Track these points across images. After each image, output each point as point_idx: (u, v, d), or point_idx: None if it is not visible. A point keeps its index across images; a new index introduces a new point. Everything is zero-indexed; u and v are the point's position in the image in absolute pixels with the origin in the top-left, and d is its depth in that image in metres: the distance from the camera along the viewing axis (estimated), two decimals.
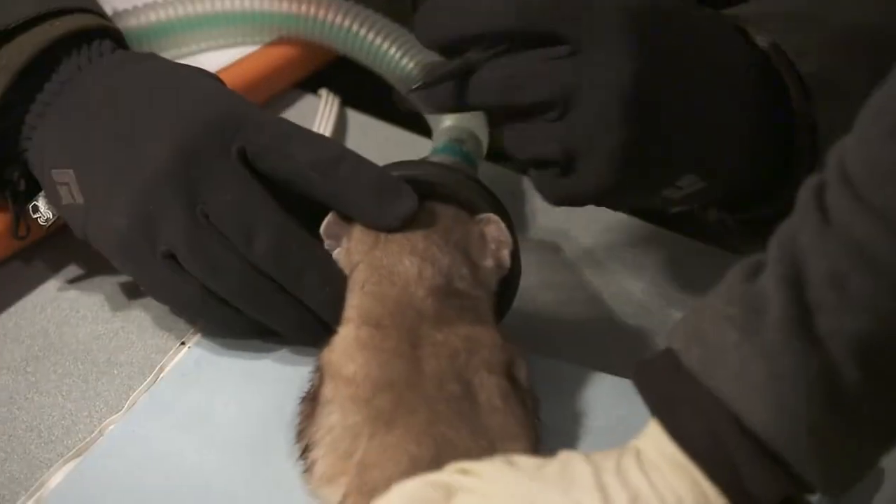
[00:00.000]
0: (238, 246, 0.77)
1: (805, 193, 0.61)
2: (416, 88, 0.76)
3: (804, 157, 0.79)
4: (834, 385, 0.59)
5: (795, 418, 0.59)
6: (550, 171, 0.76)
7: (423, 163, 0.81)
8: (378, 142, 0.98)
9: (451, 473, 0.64)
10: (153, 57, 0.85)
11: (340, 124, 1.00)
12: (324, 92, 1.01)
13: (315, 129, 0.97)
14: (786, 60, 0.79)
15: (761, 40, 0.79)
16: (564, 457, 0.64)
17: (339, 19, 0.96)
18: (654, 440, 0.62)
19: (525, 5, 0.74)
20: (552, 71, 0.73)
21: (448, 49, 0.76)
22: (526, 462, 0.64)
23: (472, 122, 0.91)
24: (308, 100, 1.01)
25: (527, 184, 0.95)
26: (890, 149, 0.58)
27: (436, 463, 0.66)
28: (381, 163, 0.78)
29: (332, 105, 1.00)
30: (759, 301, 0.60)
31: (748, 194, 0.82)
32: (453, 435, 0.68)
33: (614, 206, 0.85)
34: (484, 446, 0.68)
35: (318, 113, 1.00)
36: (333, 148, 0.79)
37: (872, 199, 0.58)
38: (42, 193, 0.83)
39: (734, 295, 0.62)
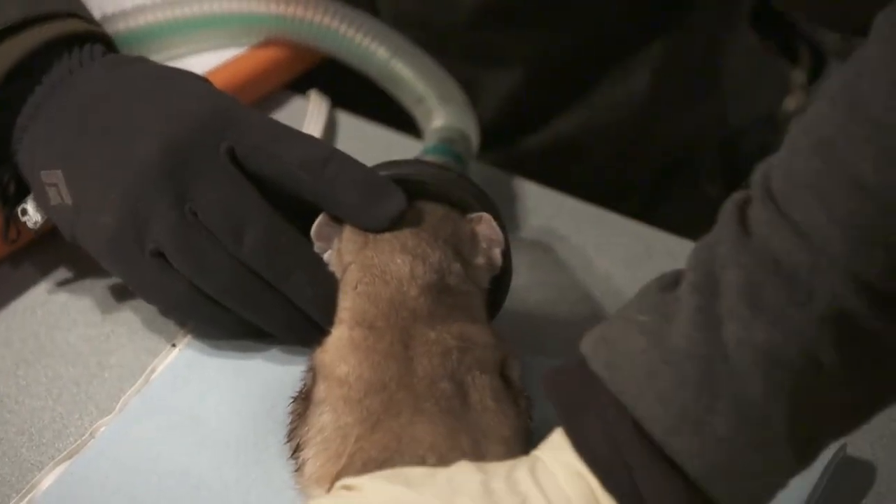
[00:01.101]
0: (226, 244, 0.77)
1: (728, 206, 0.61)
2: None
3: None
4: (739, 397, 0.58)
5: (697, 427, 0.58)
6: None
7: (413, 162, 0.81)
8: (367, 143, 0.98)
9: (335, 490, 0.64)
10: (142, 60, 0.85)
11: (330, 125, 1.00)
12: (313, 93, 1.01)
13: (304, 129, 0.96)
14: None
15: None
16: (457, 466, 0.63)
17: (326, 20, 0.97)
18: (555, 448, 0.62)
19: None
20: None
21: None
22: (416, 473, 0.63)
23: (463, 122, 0.92)
24: (297, 101, 1.02)
25: (518, 183, 0.96)
26: (812, 164, 0.58)
27: (387, 466, 0.66)
28: (370, 164, 0.78)
29: (321, 106, 1.00)
30: (670, 308, 0.60)
31: None
32: (425, 435, 0.68)
33: None
34: (464, 446, 0.68)
35: (308, 114, 1.00)
36: (322, 148, 0.79)
37: (792, 214, 0.58)
38: (31, 196, 0.83)
39: (647, 303, 0.62)
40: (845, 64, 0.60)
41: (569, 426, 0.61)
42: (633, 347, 0.60)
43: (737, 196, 0.61)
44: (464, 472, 0.62)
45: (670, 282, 0.62)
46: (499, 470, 0.62)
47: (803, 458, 0.60)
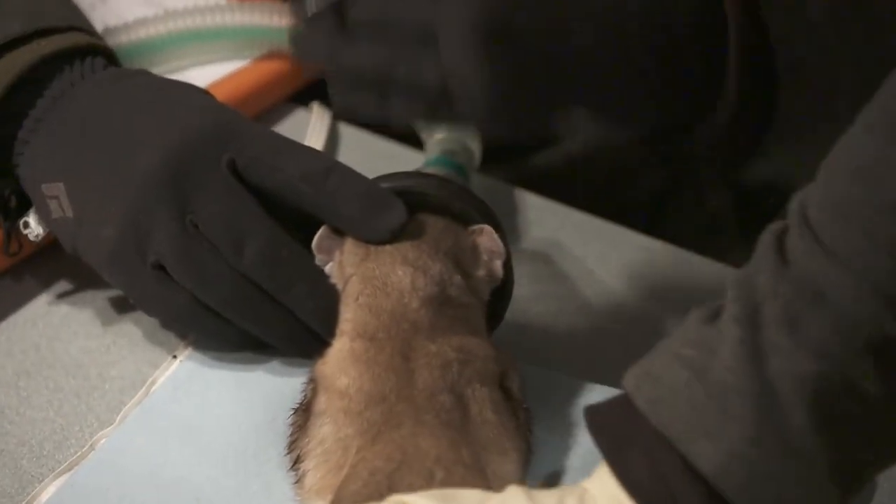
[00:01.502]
0: (227, 256, 0.77)
1: (766, 237, 0.61)
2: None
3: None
4: (784, 429, 0.58)
5: (744, 461, 0.58)
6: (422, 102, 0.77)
7: (414, 174, 0.81)
8: (369, 155, 0.98)
9: (390, 502, 0.63)
10: (144, 73, 0.86)
11: (332, 137, 1.01)
12: (315, 105, 1.01)
13: (306, 142, 0.97)
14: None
15: None
16: (506, 493, 0.63)
17: None
18: (602, 481, 0.62)
19: None
20: (416, 9, 0.76)
21: None
22: (468, 496, 0.63)
23: (464, 134, 0.92)
24: (299, 113, 1.02)
25: (519, 195, 0.96)
26: (851, 191, 0.58)
27: (395, 476, 0.66)
28: (372, 176, 0.79)
29: (322, 118, 1.01)
30: (713, 342, 0.60)
31: (678, 127, 0.81)
32: (430, 447, 0.68)
33: (502, 133, 0.84)
34: (466, 458, 0.67)
35: (310, 126, 1.00)
36: (323, 160, 0.79)
37: (831, 243, 0.58)
38: (33, 209, 0.83)
39: (690, 336, 0.62)
40: (879, 90, 0.60)
41: (614, 462, 0.61)
42: (677, 382, 0.60)
43: (774, 226, 0.61)
44: (515, 499, 0.62)
45: (711, 314, 0.61)
46: (548, 500, 0.62)
47: (847, 492, 0.60)
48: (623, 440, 0.61)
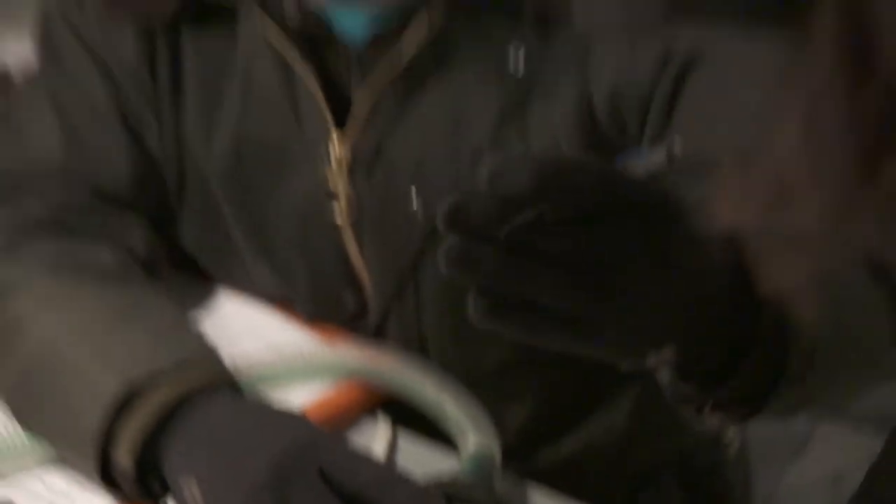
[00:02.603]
0: None
1: None
2: None
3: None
4: None
5: None
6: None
7: (453, 482, 1.01)
8: (420, 457, 1.12)
9: None
10: (256, 394, 1.04)
11: (393, 443, 1.14)
12: (380, 415, 1.15)
13: (374, 446, 1.13)
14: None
15: None
16: None
17: (395, 368, 1.15)
18: None
19: None
20: None
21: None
22: None
23: (490, 446, 1.08)
24: (367, 421, 1.16)
25: (531, 492, 1.10)
26: None
27: None
28: (424, 472, 0.94)
29: (386, 427, 1.15)
30: None
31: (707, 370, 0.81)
32: None
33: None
34: None
35: (376, 433, 1.14)
36: (388, 470, 0.95)
37: None
38: (171, 495, 1.00)
39: None
40: None
41: None
42: None
43: None
44: None
45: None
46: None
47: None
48: None
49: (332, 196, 1.17)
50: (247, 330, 1.21)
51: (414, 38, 1.11)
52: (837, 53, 0.57)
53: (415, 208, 1.10)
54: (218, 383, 1.04)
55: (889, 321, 0.87)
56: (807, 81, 0.58)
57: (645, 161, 0.73)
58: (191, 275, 1.27)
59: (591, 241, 0.71)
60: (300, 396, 1.15)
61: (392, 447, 1.15)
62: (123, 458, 1.01)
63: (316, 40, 1.14)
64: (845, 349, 0.79)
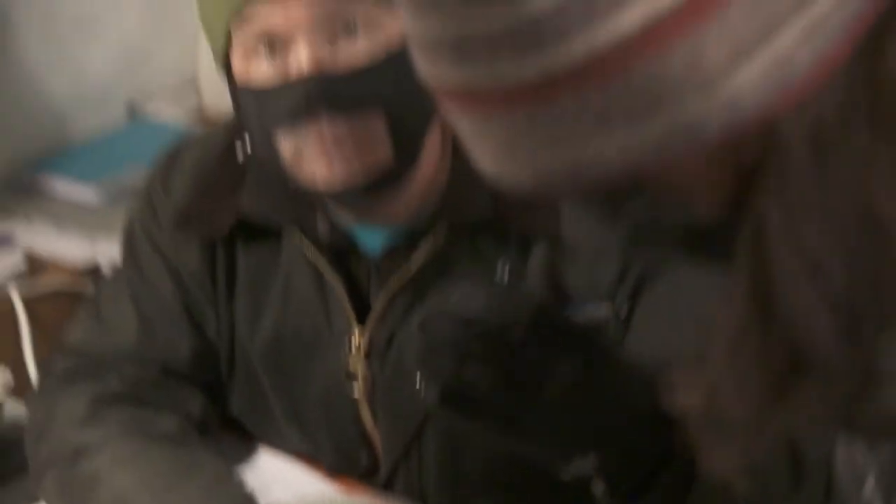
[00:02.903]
0: None
1: None
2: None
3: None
4: None
5: None
6: None
7: None
8: None
9: None
10: None
11: None
12: None
13: None
14: None
15: None
16: None
17: None
18: None
19: None
20: None
21: None
22: None
23: None
24: None
25: None
26: None
27: None
28: None
29: None
30: None
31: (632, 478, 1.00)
32: None
33: None
34: None
35: None
36: None
37: None
38: None
39: None
40: None
41: None
42: None
43: None
44: None
45: None
46: None
47: None
48: None
49: (351, 376, 1.44)
50: (279, 481, 1.46)
51: (421, 255, 1.42)
52: (749, 303, 0.71)
53: (419, 387, 1.23)
54: None
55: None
56: (730, 317, 0.73)
57: (592, 310, 1.03)
58: (236, 434, 1.55)
59: (522, 359, 0.99)
60: None
61: None
62: None
63: (342, 253, 1.45)
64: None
